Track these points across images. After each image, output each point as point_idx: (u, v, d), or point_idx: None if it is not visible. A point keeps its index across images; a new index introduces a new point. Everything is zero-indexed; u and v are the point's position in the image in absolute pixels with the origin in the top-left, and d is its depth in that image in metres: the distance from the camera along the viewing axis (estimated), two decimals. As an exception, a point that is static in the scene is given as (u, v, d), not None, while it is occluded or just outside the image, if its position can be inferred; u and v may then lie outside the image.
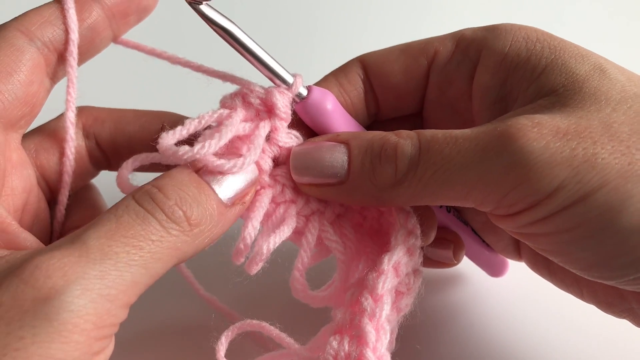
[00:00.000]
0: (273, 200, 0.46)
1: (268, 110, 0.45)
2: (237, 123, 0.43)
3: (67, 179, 0.47)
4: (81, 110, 0.49)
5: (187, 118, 0.46)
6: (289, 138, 0.46)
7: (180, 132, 0.41)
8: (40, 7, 0.45)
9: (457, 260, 0.54)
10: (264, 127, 0.44)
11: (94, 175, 0.53)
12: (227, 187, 0.41)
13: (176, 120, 0.48)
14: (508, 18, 0.50)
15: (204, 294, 0.58)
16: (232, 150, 0.44)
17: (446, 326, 0.58)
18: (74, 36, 0.44)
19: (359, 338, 0.39)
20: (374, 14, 0.99)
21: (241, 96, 0.45)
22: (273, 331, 0.44)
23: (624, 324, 0.48)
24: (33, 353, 0.31)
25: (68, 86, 0.46)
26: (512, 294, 0.61)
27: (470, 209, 0.55)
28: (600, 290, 0.48)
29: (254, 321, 0.43)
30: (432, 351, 0.55)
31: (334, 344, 0.39)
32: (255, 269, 0.42)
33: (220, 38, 0.42)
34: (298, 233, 0.46)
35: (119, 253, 0.35)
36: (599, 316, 0.51)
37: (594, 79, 0.41)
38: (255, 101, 0.45)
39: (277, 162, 0.47)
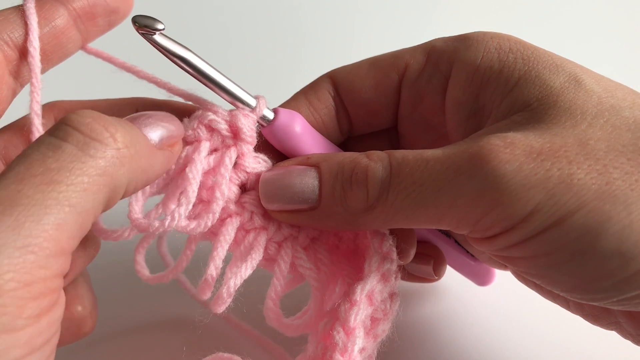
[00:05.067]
0: (242, 227, 0.44)
1: (233, 135, 0.43)
2: (201, 170, 0.42)
3: None
4: (52, 105, 0.47)
5: (161, 100, 0.46)
6: (256, 163, 0.45)
7: (144, 194, 0.42)
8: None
9: (438, 275, 0.53)
10: (230, 157, 0.43)
11: None
12: (152, 131, 0.38)
13: (150, 104, 0.47)
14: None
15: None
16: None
17: (428, 337, 0.58)
18: (34, 27, 0.42)
19: (331, 373, 0.37)
20: (350, 25, 0.97)
21: (204, 125, 0.43)
22: None
23: (613, 335, 0.47)
24: None
25: (31, 77, 0.43)
26: (496, 303, 0.60)
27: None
28: (587, 304, 0.47)
29: (225, 354, 0.42)
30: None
31: (306, 379, 0.38)
32: (222, 308, 0.41)
33: (178, 67, 0.41)
34: (271, 260, 0.45)
35: (31, 196, 0.30)
36: (587, 325, 0.49)
37: (569, 91, 0.40)
38: (222, 127, 0.43)
39: (245, 188, 0.45)
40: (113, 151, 0.33)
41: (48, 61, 0.44)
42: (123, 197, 0.36)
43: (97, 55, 0.47)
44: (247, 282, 0.43)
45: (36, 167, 0.31)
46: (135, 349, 0.56)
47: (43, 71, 0.43)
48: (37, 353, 0.30)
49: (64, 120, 0.34)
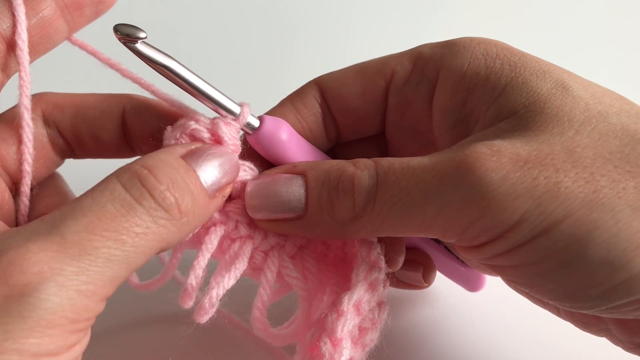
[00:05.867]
0: (228, 236, 0.44)
1: (216, 143, 0.43)
2: None
3: (28, 167, 0.45)
4: (40, 97, 0.47)
5: (151, 100, 0.45)
6: (242, 171, 0.44)
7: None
8: None
9: (428, 282, 0.53)
10: None
11: (59, 164, 0.50)
12: (209, 174, 0.40)
13: (140, 103, 0.46)
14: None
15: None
16: None
17: (418, 345, 0.57)
18: (22, 19, 0.41)
19: (317, 385, 0.37)
20: (337, 30, 0.97)
21: (187, 135, 0.43)
22: None
23: (604, 339, 0.47)
24: (7, 348, 0.30)
25: (20, 70, 0.43)
26: (487, 308, 0.60)
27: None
28: (576, 311, 0.47)
29: None
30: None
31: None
32: (205, 319, 0.41)
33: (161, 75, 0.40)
34: (257, 269, 0.44)
35: (99, 248, 0.33)
36: (579, 330, 0.49)
37: (557, 97, 0.39)
38: (205, 135, 0.42)
39: (230, 196, 0.45)
40: (175, 222, 0.37)
41: (35, 52, 0.43)
42: None
43: (82, 47, 0.45)
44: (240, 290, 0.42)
45: (109, 221, 0.34)
46: (133, 347, 0.56)
47: (29, 62, 0.43)
48: None
49: (140, 177, 0.36)
